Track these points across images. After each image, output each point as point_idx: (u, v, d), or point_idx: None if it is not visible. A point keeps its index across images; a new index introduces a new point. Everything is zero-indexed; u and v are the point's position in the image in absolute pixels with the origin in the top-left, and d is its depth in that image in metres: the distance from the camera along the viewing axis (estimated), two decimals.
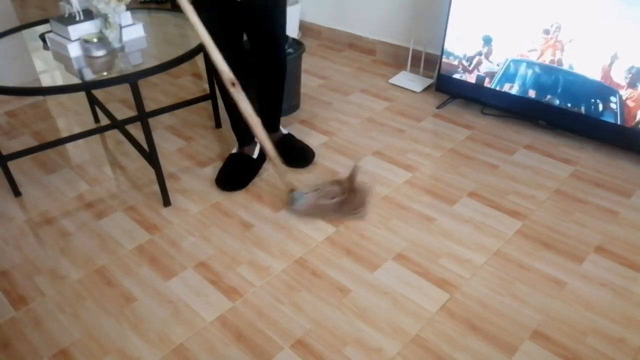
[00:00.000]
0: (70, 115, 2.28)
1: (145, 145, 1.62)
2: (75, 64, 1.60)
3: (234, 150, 1.86)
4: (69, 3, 1.66)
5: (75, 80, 1.52)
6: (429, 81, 2.42)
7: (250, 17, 1.60)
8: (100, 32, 1.65)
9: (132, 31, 1.73)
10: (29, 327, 1.31)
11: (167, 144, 2.04)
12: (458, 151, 1.94)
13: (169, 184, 1.81)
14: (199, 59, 2.71)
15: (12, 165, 1.92)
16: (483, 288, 1.37)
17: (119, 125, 1.91)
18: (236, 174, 1.79)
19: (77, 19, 1.65)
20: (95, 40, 1.61)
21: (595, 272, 1.40)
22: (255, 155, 1.83)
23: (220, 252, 1.51)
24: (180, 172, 1.88)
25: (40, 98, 2.42)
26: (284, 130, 1.94)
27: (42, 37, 1.76)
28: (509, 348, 1.21)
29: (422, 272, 1.42)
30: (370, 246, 1.51)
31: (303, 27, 3.03)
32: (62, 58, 1.64)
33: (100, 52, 1.62)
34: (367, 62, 2.69)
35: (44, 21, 1.89)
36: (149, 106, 2.30)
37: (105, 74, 1.55)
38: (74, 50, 1.63)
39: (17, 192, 1.78)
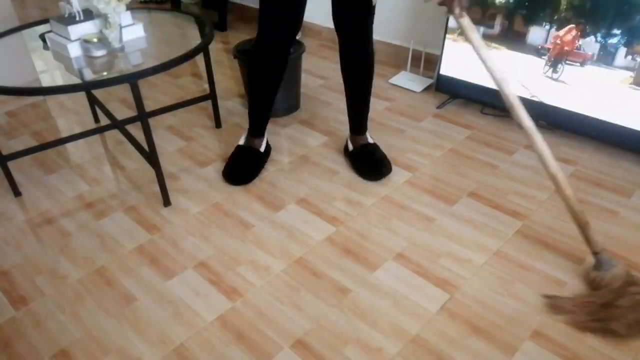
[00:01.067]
0: (70, 115, 2.28)
1: (145, 145, 1.62)
2: (75, 64, 1.60)
3: (242, 142, 1.85)
4: (69, 3, 1.66)
5: (76, 80, 1.52)
6: (429, 81, 2.42)
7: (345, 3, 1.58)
8: (100, 32, 1.65)
9: (132, 31, 1.73)
10: (29, 327, 1.31)
11: (167, 144, 2.04)
12: (458, 151, 1.94)
13: (169, 184, 1.81)
14: (199, 59, 2.71)
15: (12, 165, 1.92)
16: (483, 288, 1.37)
17: (119, 125, 1.91)
18: (244, 167, 1.80)
19: (77, 19, 1.65)
20: (95, 40, 1.60)
21: None
22: (262, 149, 1.84)
23: (220, 252, 1.51)
24: (180, 172, 1.88)
25: (40, 98, 2.42)
26: (370, 139, 1.85)
27: (42, 37, 1.76)
28: (509, 348, 1.21)
29: (422, 272, 1.42)
30: (370, 246, 1.51)
31: (303, 27, 3.03)
32: (62, 58, 1.64)
33: (100, 52, 1.61)
34: None
35: (44, 21, 1.89)
36: (149, 106, 2.30)
37: (105, 74, 1.55)
38: (74, 50, 1.63)
39: (17, 192, 1.78)
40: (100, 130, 1.99)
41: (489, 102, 2.10)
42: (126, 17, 1.72)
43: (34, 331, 1.29)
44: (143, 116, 1.54)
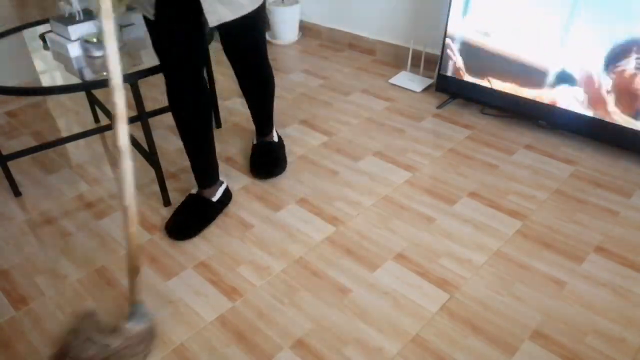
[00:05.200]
0: (70, 115, 2.28)
1: (145, 145, 1.62)
2: (75, 64, 1.60)
3: (194, 191, 1.66)
4: (69, 3, 1.66)
5: (76, 80, 1.52)
6: (429, 81, 2.42)
7: (232, 38, 1.51)
8: (100, 32, 1.64)
9: (132, 31, 1.73)
10: (29, 327, 1.31)
11: (167, 144, 2.04)
12: (458, 151, 1.94)
13: (168, 184, 1.81)
14: None
15: (12, 165, 1.92)
16: (483, 288, 1.37)
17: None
18: (189, 220, 1.58)
19: (77, 19, 1.65)
20: (95, 40, 1.60)
21: (595, 272, 1.40)
22: (215, 199, 1.63)
23: (220, 252, 1.51)
24: (180, 172, 1.88)
25: (40, 98, 2.42)
26: (275, 138, 1.89)
27: (42, 37, 1.76)
28: (509, 348, 1.21)
29: (422, 272, 1.42)
30: (370, 246, 1.51)
31: (303, 27, 3.03)
32: (62, 58, 1.64)
33: (100, 52, 1.61)
34: (367, 62, 2.69)
35: (44, 21, 1.89)
36: (149, 106, 2.30)
37: (105, 74, 1.55)
38: (74, 50, 1.63)
39: (17, 192, 1.78)
40: (100, 130, 1.99)
41: (489, 102, 2.10)
42: (126, 17, 1.72)
43: (34, 331, 1.29)
44: (143, 116, 1.54)
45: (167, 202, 1.70)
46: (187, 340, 1.25)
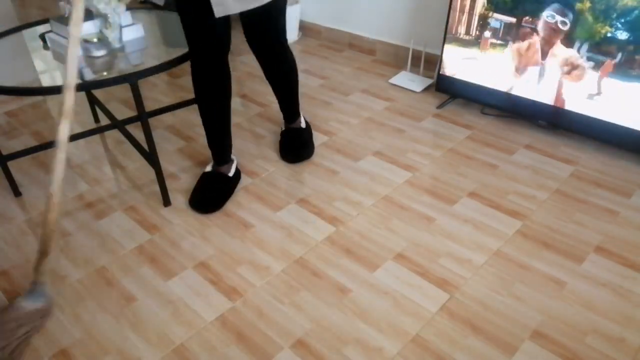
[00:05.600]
0: None
1: (145, 145, 1.62)
2: None
3: (208, 169, 1.76)
4: (69, 3, 1.66)
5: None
6: (429, 81, 2.42)
7: (253, 29, 1.57)
8: (100, 32, 1.64)
9: (132, 31, 1.73)
10: None
11: (167, 144, 2.04)
12: (458, 151, 1.94)
13: (168, 184, 1.81)
14: None
15: (12, 165, 1.92)
16: (483, 288, 1.37)
17: (119, 125, 1.91)
18: (211, 194, 1.68)
19: None
20: (95, 40, 1.60)
21: (595, 272, 1.40)
22: (231, 174, 1.75)
23: (220, 252, 1.51)
24: (180, 172, 1.88)
25: (40, 98, 2.42)
26: (303, 124, 1.96)
27: (43, 37, 1.75)
28: (509, 348, 1.21)
29: (422, 272, 1.42)
30: (370, 246, 1.51)
31: (303, 27, 3.03)
32: (62, 58, 1.64)
33: (100, 52, 1.61)
34: (367, 62, 2.69)
35: (44, 21, 1.88)
36: (149, 106, 2.30)
37: (105, 73, 1.55)
38: None
39: (17, 192, 1.78)
40: (100, 130, 1.99)
41: (489, 102, 2.10)
42: (126, 17, 1.72)
43: None
44: (143, 116, 1.54)
45: (167, 202, 1.70)
46: (187, 340, 1.26)
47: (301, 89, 2.42)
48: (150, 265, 1.48)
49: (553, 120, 1.94)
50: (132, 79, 1.46)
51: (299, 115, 1.94)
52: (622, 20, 1.63)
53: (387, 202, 1.69)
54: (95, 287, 1.42)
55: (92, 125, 2.19)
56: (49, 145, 1.86)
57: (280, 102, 1.87)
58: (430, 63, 2.48)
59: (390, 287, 1.38)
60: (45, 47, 1.73)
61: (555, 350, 1.20)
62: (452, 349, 1.21)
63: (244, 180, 1.82)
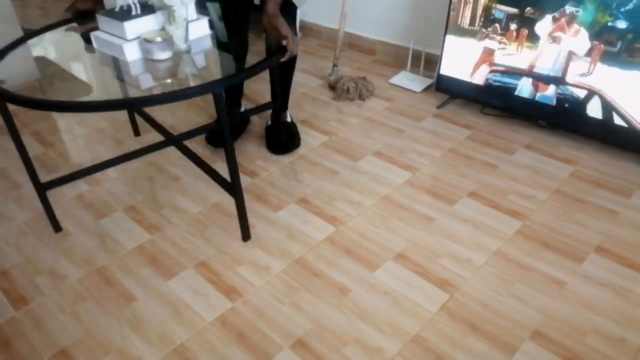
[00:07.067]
0: (70, 114, 2.27)
1: (226, 175, 1.37)
2: (132, 70, 1.32)
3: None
4: None
5: (135, 92, 1.26)
6: (429, 81, 2.42)
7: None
8: (163, 29, 1.36)
9: (199, 27, 1.43)
10: (29, 327, 1.31)
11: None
12: (458, 151, 1.94)
13: (169, 183, 1.81)
14: None
15: (12, 165, 1.92)
16: (483, 288, 1.37)
17: (176, 141, 1.62)
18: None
19: (134, 13, 1.34)
20: (158, 39, 1.32)
21: (595, 272, 1.40)
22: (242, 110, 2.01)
23: (220, 252, 1.51)
24: (180, 172, 1.88)
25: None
26: (289, 118, 2.03)
27: (86, 36, 1.49)
28: (509, 348, 1.21)
29: (422, 272, 1.42)
30: (370, 246, 1.51)
31: (303, 27, 3.03)
32: (110, 60, 1.38)
33: (165, 55, 1.33)
34: (367, 62, 2.69)
35: (65, 22, 1.62)
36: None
37: (169, 81, 1.31)
38: (132, 53, 1.32)
39: (17, 192, 1.78)
40: (150, 149, 1.70)
41: (489, 102, 2.10)
42: (191, 10, 1.40)
43: (34, 331, 1.30)
44: (227, 142, 1.28)
45: (246, 236, 1.57)
46: (187, 340, 1.26)
47: (301, 89, 2.42)
48: (150, 265, 1.48)
49: (553, 120, 1.94)
50: (217, 88, 1.20)
51: (286, 108, 2.02)
52: None
53: (387, 202, 1.69)
54: (95, 287, 1.42)
55: (131, 139, 2.08)
56: (88, 171, 1.61)
57: (273, 89, 1.93)
58: (430, 63, 2.48)
59: (390, 287, 1.38)
60: (90, 48, 1.46)
61: (555, 350, 1.20)
62: (452, 349, 1.21)
63: (244, 180, 1.82)
